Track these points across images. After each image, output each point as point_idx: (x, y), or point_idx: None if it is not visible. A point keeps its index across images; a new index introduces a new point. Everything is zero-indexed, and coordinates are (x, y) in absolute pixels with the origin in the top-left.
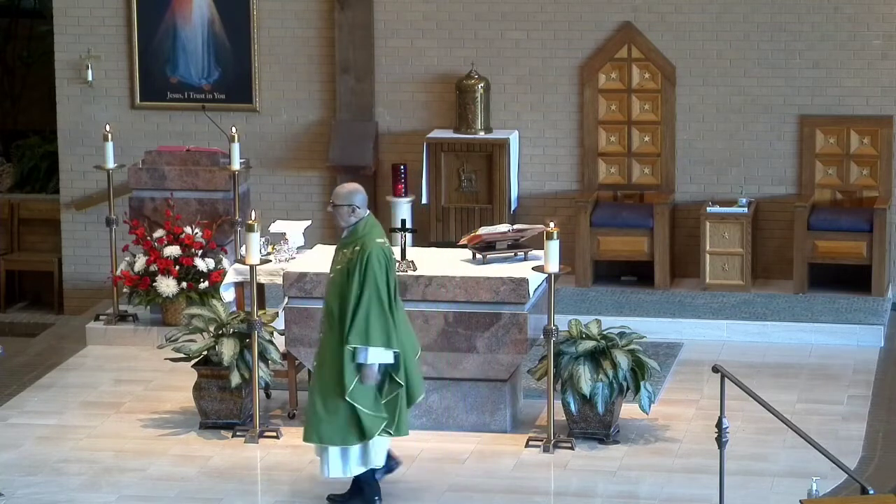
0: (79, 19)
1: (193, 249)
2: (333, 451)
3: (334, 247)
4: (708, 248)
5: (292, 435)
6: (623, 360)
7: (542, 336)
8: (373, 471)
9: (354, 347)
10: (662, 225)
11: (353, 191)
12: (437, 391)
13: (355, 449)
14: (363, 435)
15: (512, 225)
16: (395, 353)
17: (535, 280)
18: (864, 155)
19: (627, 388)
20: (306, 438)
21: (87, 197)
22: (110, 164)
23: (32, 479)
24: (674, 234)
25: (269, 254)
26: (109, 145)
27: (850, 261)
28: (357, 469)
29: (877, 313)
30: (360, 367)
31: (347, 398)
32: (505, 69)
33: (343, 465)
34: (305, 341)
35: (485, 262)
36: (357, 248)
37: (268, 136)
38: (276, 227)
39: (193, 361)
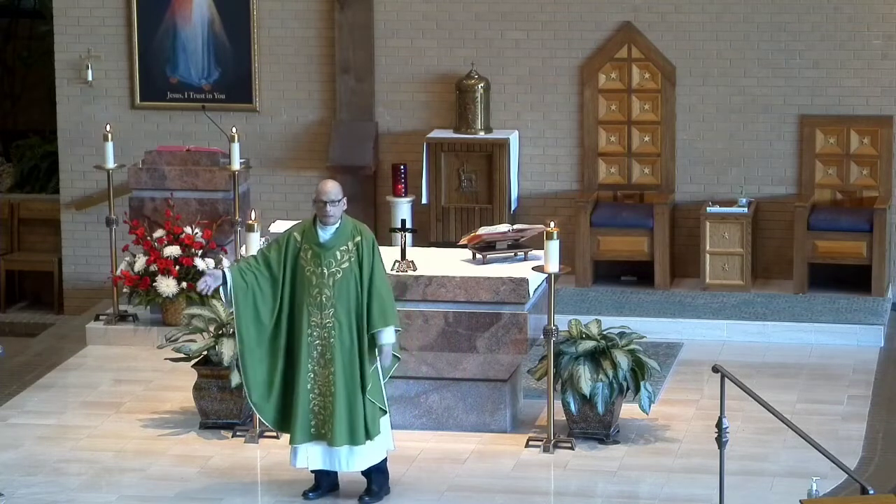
0: (79, 19)
1: (193, 249)
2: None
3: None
4: (708, 248)
5: None
6: (623, 360)
7: (542, 336)
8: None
9: (396, 329)
10: (662, 225)
11: (340, 186)
12: (437, 391)
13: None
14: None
15: (512, 225)
16: (397, 330)
17: (535, 280)
18: (864, 155)
19: (627, 388)
20: (357, 440)
21: (87, 197)
22: (110, 164)
23: (32, 479)
24: (674, 234)
25: None
26: (109, 145)
27: (850, 261)
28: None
29: (877, 313)
30: (380, 350)
31: (372, 395)
32: (505, 69)
33: (373, 453)
34: None
35: (485, 262)
36: (358, 238)
37: (268, 136)
38: (276, 227)
39: (193, 361)
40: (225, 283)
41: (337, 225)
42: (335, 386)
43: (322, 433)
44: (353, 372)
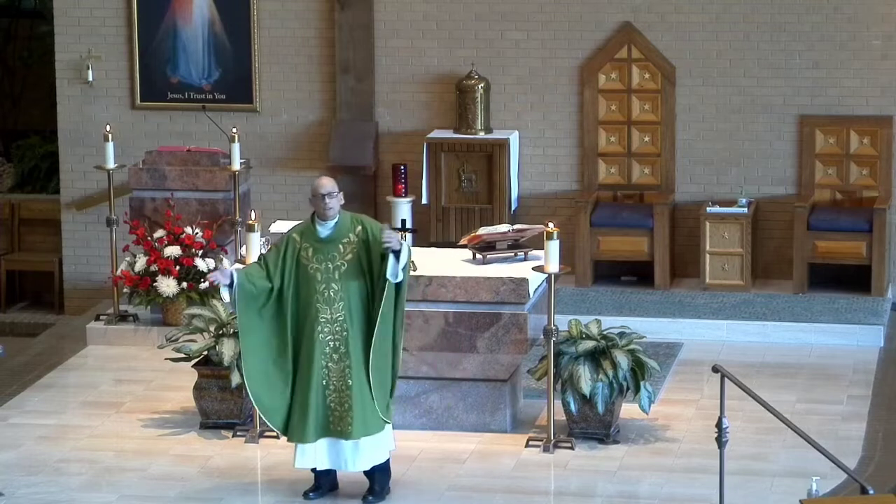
0: (79, 19)
1: (194, 249)
2: (377, 437)
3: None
4: (708, 248)
5: None
6: (623, 360)
7: (542, 336)
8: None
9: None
10: (662, 225)
11: (333, 179)
12: (437, 391)
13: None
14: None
15: (512, 225)
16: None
17: (535, 280)
18: (864, 155)
19: (627, 388)
20: (372, 430)
21: (87, 197)
22: (110, 164)
23: (32, 479)
24: (674, 234)
25: None
26: (110, 145)
27: (850, 261)
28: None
29: (877, 313)
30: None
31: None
32: (505, 69)
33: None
34: None
35: (485, 262)
36: (359, 228)
37: (268, 136)
38: (276, 227)
39: (193, 361)
40: (231, 284)
41: (336, 220)
42: (352, 379)
43: (338, 430)
44: (362, 361)
